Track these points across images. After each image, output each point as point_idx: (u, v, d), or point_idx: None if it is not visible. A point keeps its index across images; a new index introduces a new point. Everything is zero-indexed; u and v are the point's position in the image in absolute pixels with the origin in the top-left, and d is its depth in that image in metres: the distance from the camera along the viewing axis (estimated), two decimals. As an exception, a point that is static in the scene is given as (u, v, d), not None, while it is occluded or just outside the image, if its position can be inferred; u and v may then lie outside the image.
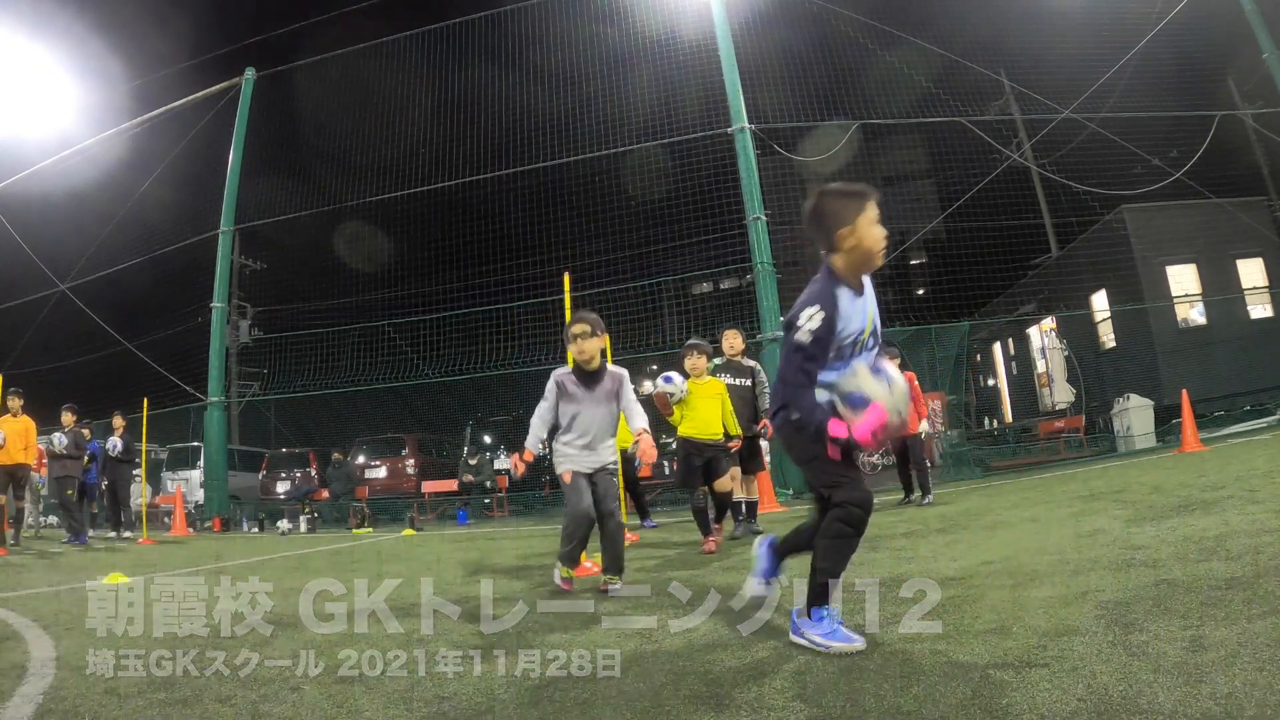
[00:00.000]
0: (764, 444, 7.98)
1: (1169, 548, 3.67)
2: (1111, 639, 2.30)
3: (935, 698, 1.97)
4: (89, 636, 3.69)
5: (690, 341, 6.70)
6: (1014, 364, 23.12)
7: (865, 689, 2.11)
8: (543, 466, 18.87)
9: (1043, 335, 20.09)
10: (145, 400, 12.44)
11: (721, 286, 19.64)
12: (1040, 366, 20.34)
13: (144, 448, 12.92)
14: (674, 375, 6.39)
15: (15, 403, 10.17)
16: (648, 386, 6.44)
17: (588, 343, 4.31)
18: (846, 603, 3.06)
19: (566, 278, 6.07)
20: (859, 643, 2.54)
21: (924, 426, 8.99)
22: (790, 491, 12.40)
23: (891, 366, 2.70)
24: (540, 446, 4.50)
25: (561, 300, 6.30)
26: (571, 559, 4.45)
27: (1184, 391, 10.89)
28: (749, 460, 7.28)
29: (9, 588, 6.05)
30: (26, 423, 10.17)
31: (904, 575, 3.85)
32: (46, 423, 11.70)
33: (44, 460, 12.00)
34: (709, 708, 2.10)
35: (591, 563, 4.97)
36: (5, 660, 3.30)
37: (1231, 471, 6.73)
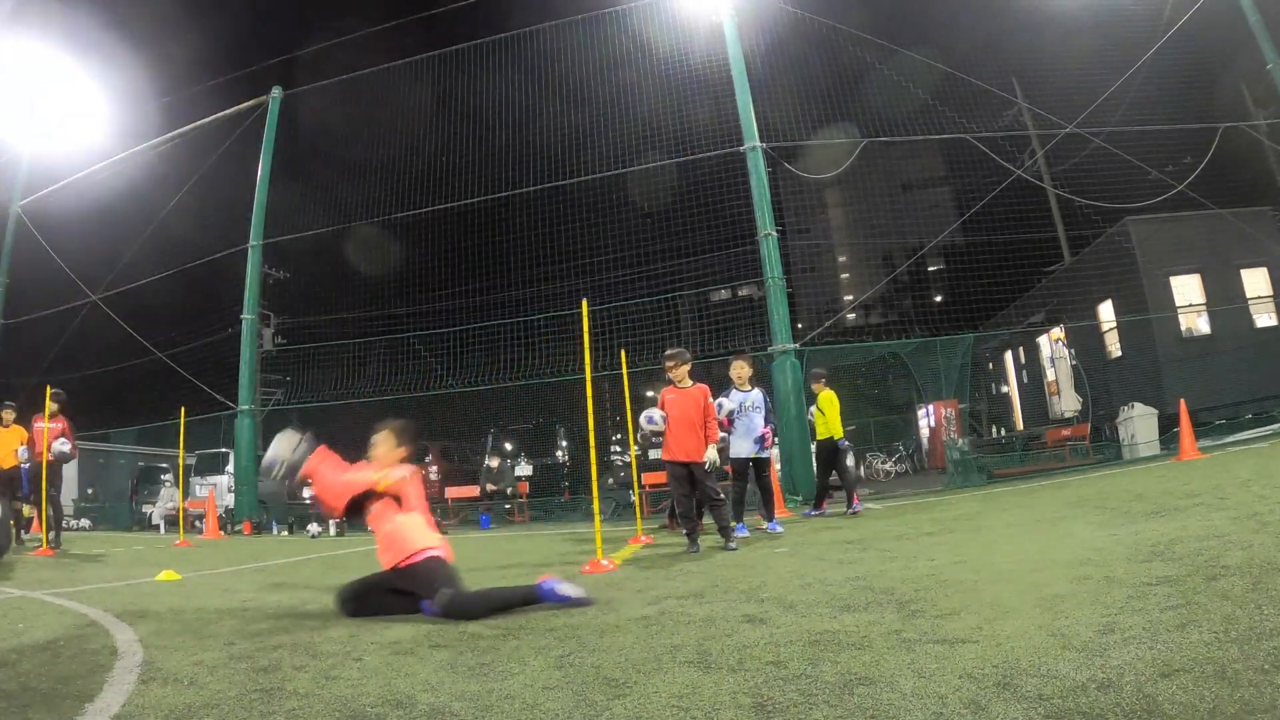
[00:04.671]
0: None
1: (1123, 550, 4.07)
2: (1038, 623, 2.74)
3: (879, 664, 2.43)
4: (163, 621, 4.22)
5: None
6: (1024, 372, 23.36)
7: (824, 657, 2.56)
8: (561, 474, 19.42)
9: (1052, 344, 20.36)
10: (183, 409, 12.97)
11: (739, 294, 20.08)
12: (1050, 375, 20.61)
13: (181, 455, 13.48)
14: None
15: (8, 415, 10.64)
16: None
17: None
18: (823, 596, 3.52)
19: (585, 304, 6.51)
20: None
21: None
22: (800, 498, 12.81)
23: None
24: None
25: (579, 313, 6.71)
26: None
27: (1181, 401, 11.20)
28: None
29: (70, 584, 6.54)
30: (19, 432, 10.67)
31: (884, 570, 4.30)
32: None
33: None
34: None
35: (609, 560, 5.57)
36: (96, 643, 3.68)
37: (1214, 479, 7.05)
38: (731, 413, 8.29)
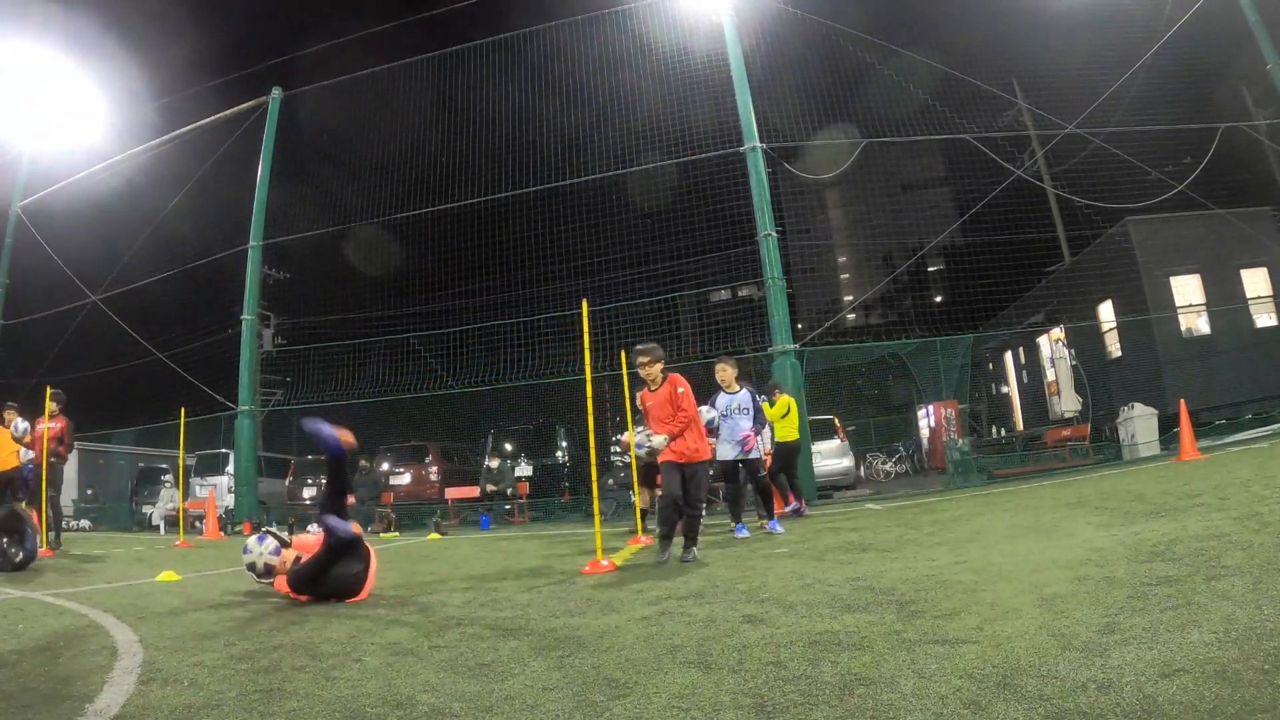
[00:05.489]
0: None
1: (1124, 550, 4.07)
2: (1039, 624, 2.73)
3: (879, 664, 2.43)
4: (163, 622, 4.22)
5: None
6: (1024, 372, 23.35)
7: (824, 657, 2.56)
8: (561, 474, 19.41)
9: (1052, 344, 20.34)
10: (183, 410, 12.96)
11: (739, 295, 20.10)
12: (1050, 375, 20.59)
13: (181, 455, 13.47)
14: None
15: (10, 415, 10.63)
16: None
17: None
18: (823, 596, 3.51)
19: (585, 305, 6.49)
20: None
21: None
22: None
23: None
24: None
25: (579, 314, 6.69)
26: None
27: (1181, 401, 11.19)
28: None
29: (70, 584, 6.53)
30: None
31: (884, 571, 4.30)
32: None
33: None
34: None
35: (609, 560, 5.60)
36: (96, 643, 3.68)
37: (1214, 480, 7.04)
38: (712, 421, 8.16)
